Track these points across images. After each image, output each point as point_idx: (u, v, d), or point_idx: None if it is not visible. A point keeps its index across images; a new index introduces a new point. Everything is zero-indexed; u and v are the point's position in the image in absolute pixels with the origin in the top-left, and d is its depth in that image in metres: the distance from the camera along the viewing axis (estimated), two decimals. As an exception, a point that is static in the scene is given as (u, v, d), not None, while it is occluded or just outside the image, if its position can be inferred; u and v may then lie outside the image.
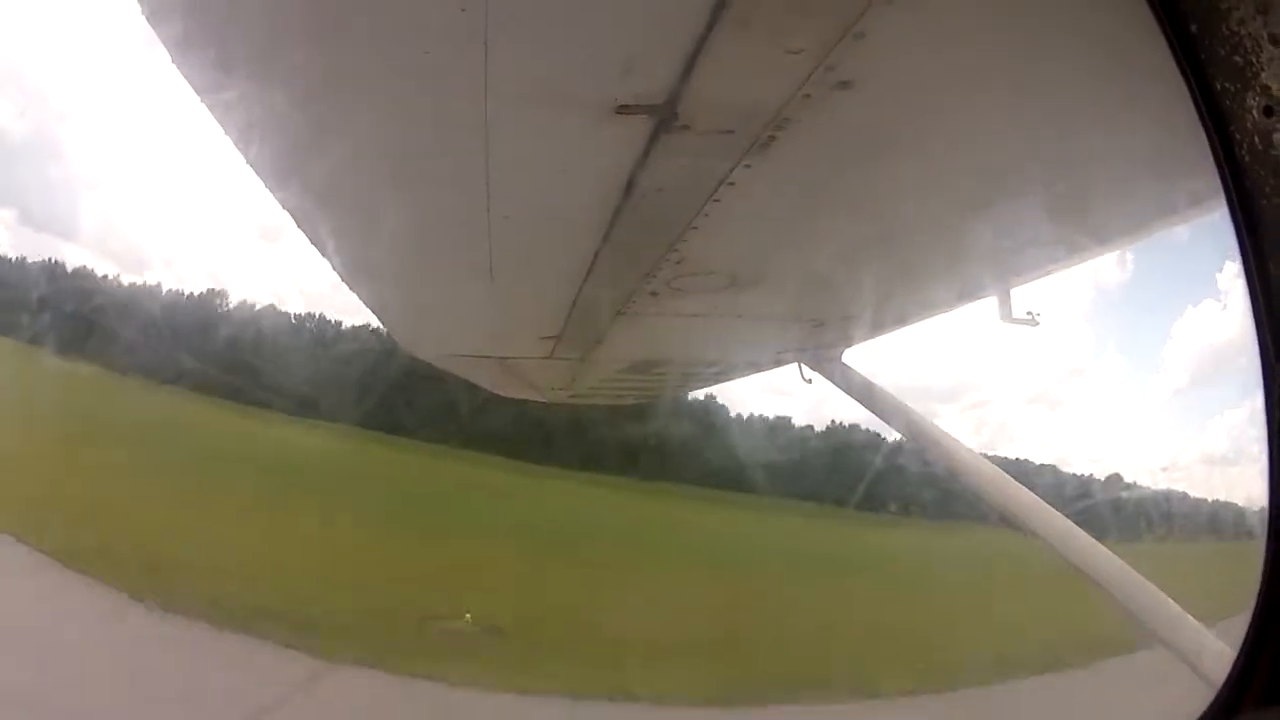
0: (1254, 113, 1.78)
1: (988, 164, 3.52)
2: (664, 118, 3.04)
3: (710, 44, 2.61)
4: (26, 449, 16.73)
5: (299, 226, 4.24)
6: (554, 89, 2.97)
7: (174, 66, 2.91)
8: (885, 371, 6.19)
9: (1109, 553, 4.73)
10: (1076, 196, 3.64)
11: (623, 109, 2.99)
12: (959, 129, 3.21)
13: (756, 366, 7.61)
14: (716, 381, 8.42)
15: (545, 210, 4.04)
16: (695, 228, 3.94)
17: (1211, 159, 1.89)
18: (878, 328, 5.78)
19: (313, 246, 4.52)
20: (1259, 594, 2.07)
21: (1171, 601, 4.36)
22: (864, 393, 6.10)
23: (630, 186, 3.56)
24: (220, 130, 3.35)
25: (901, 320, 5.73)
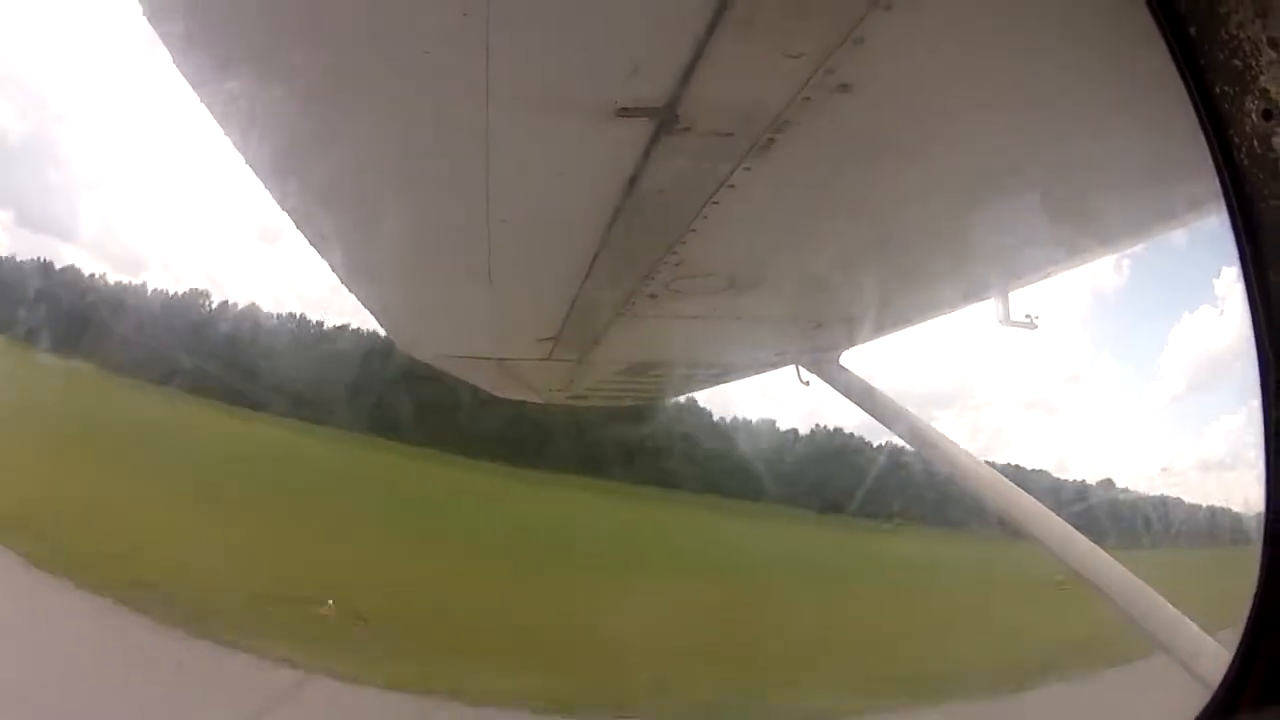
0: (1253, 116, 1.79)
1: (987, 167, 3.53)
2: (664, 120, 3.04)
3: (711, 47, 2.62)
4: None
5: (298, 227, 4.25)
6: (555, 91, 2.98)
7: (174, 66, 2.91)
8: (881, 376, 6.19)
9: (1107, 557, 4.74)
10: (1075, 200, 3.65)
11: (623, 111, 2.99)
12: (958, 132, 3.22)
13: (755, 368, 7.62)
14: (715, 384, 8.42)
15: (545, 212, 4.04)
16: (694, 230, 3.95)
17: (1211, 163, 1.90)
18: (876, 330, 5.78)
19: (311, 247, 4.53)
20: (1255, 596, 2.08)
21: (1168, 604, 4.38)
22: (862, 395, 6.11)
23: (630, 188, 3.56)
24: (219, 131, 3.36)
25: (900, 323, 5.74)
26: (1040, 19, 2.49)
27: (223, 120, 3.28)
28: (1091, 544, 4.80)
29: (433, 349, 7.43)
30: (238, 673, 12.78)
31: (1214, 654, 3.42)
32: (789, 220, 4.08)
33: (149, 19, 2.72)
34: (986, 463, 5.73)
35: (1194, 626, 4.10)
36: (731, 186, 3.51)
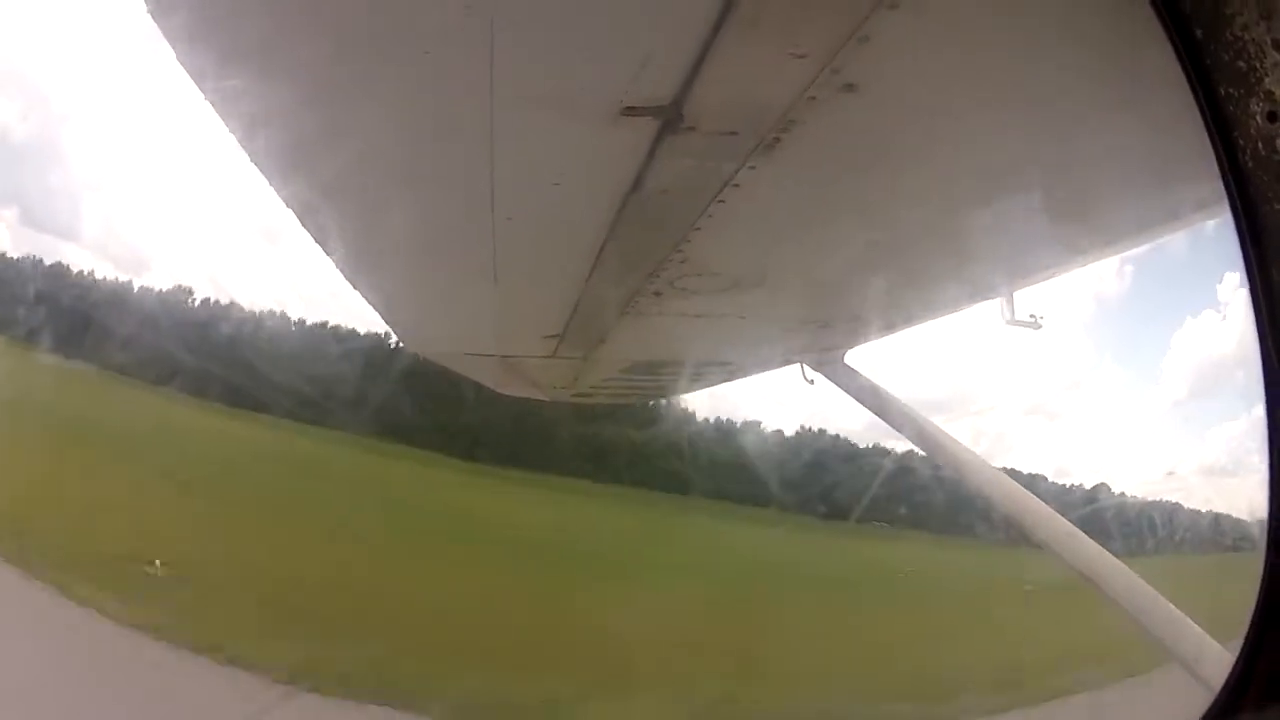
0: (1258, 118, 1.79)
1: (991, 167, 3.53)
2: (669, 119, 3.04)
3: (716, 46, 2.62)
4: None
5: (302, 224, 4.26)
6: (559, 90, 2.98)
7: (177, 62, 2.92)
8: (882, 380, 6.18)
9: (1112, 559, 4.74)
10: (1080, 200, 3.65)
11: (628, 110, 2.99)
12: (963, 132, 3.22)
13: (759, 367, 7.62)
14: (719, 382, 8.42)
15: (550, 210, 4.04)
16: (699, 229, 3.95)
17: (1215, 164, 1.89)
18: (881, 329, 5.78)
19: (316, 245, 4.53)
20: (1259, 598, 2.08)
21: (1171, 607, 4.37)
22: (867, 395, 6.11)
23: (635, 187, 3.56)
24: (223, 128, 3.37)
25: (905, 322, 5.74)
26: (1045, 19, 2.48)
27: (226, 117, 3.29)
28: (1096, 546, 4.80)
29: (437, 346, 7.44)
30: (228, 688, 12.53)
31: (1217, 657, 3.42)
32: (794, 219, 4.08)
33: (151, 14, 2.72)
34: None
35: (1197, 629, 4.10)
36: (736, 186, 3.51)
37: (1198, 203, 3.27)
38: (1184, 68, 1.89)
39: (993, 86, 2.90)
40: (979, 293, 5.01)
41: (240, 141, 3.48)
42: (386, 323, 7.00)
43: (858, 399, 6.10)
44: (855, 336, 5.93)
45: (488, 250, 4.43)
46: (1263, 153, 1.79)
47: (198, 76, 3.05)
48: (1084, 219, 3.84)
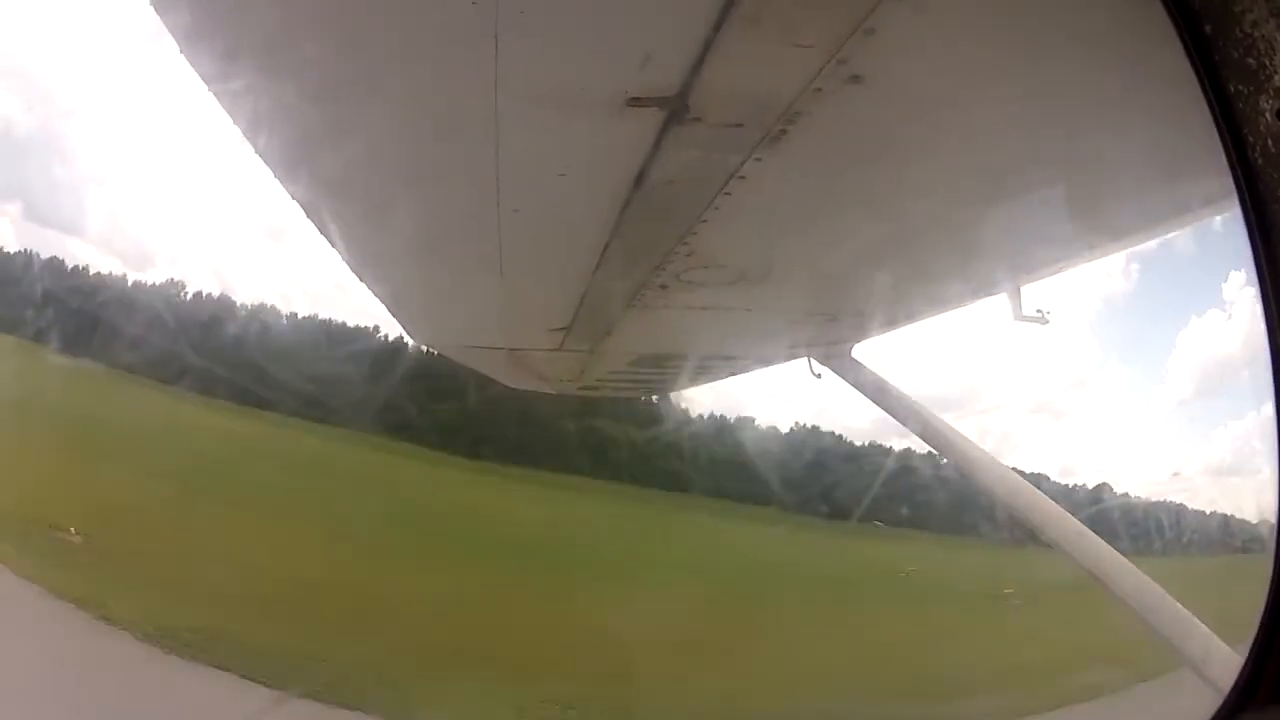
0: (1267, 115, 1.77)
1: (998, 160, 3.51)
2: (675, 110, 3.03)
3: (722, 37, 2.61)
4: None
5: (309, 218, 4.25)
6: (565, 81, 2.97)
7: (183, 58, 2.92)
8: (889, 376, 6.17)
9: (1120, 558, 4.73)
10: (1087, 194, 3.63)
11: (634, 101, 2.99)
12: (970, 125, 3.20)
13: (766, 361, 7.61)
14: (726, 376, 8.41)
15: (556, 202, 4.04)
16: (705, 221, 3.94)
17: (1224, 161, 1.88)
18: (888, 323, 5.77)
19: (322, 239, 4.53)
20: (1268, 598, 2.07)
21: (1180, 607, 4.36)
22: (873, 389, 6.09)
23: (641, 179, 3.56)
24: (228, 123, 3.36)
25: (912, 316, 5.72)
26: (1054, 13, 2.46)
27: (232, 111, 3.29)
28: (1105, 545, 4.78)
29: (444, 339, 7.45)
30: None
31: (1225, 658, 3.40)
32: (800, 212, 4.06)
33: (156, 9, 2.72)
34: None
35: (1205, 630, 4.09)
36: (742, 177, 3.50)
37: (1206, 198, 3.25)
38: (1193, 64, 1.87)
39: (999, 80, 2.89)
40: (986, 287, 4.99)
41: (247, 137, 3.48)
42: (394, 317, 6.99)
43: (864, 393, 6.08)
44: (862, 330, 5.91)
45: (494, 243, 4.43)
46: (1272, 149, 1.78)
47: (203, 73, 3.05)
48: (1091, 213, 3.82)
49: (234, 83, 3.09)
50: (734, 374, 8.32)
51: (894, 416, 6.16)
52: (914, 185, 3.70)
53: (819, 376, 6.39)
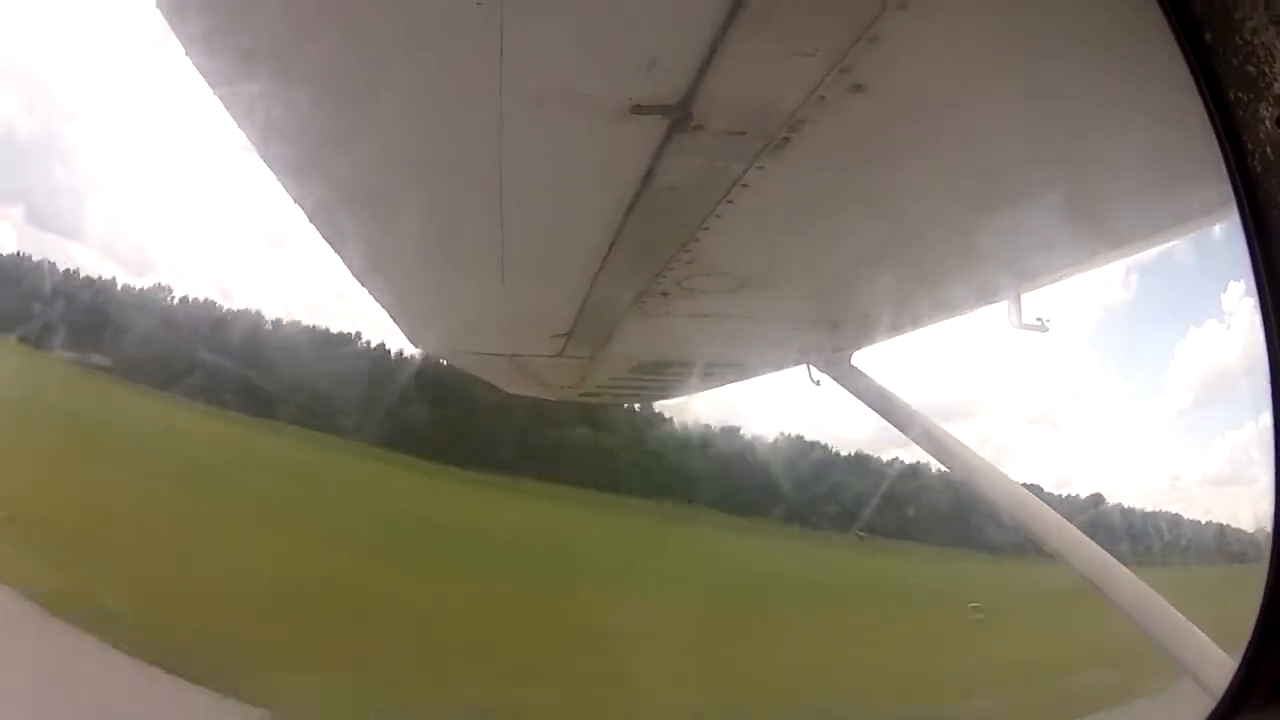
0: (1267, 123, 1.79)
1: (1000, 169, 3.53)
2: (678, 118, 3.04)
3: (725, 45, 2.62)
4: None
5: (312, 223, 4.26)
6: (569, 88, 2.98)
7: (187, 60, 2.93)
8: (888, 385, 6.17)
9: (1116, 563, 4.73)
10: (1088, 203, 3.64)
11: (637, 108, 3.00)
12: (972, 134, 3.22)
13: (766, 368, 7.61)
14: (726, 382, 8.41)
15: (558, 208, 4.05)
16: (707, 228, 3.95)
17: (1223, 168, 1.89)
18: (888, 331, 5.77)
19: (324, 245, 4.54)
20: (1262, 604, 2.08)
21: (1176, 612, 4.36)
22: (873, 397, 6.09)
23: (643, 186, 3.57)
24: (231, 128, 3.38)
25: (912, 323, 5.72)
26: (1054, 22, 2.48)
27: (235, 114, 3.30)
28: (1101, 552, 4.78)
29: (446, 345, 7.45)
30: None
31: (1220, 663, 3.40)
32: (802, 219, 4.08)
33: (161, 10, 2.73)
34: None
35: (1201, 635, 4.09)
36: (745, 185, 3.51)
37: (1205, 206, 3.26)
38: (1193, 71, 1.89)
39: (1002, 88, 2.90)
40: (987, 294, 5.00)
41: (251, 140, 3.49)
42: (395, 322, 6.99)
43: (864, 401, 6.08)
44: (863, 337, 5.92)
45: (496, 248, 4.44)
46: (1271, 157, 1.79)
47: (206, 75, 3.06)
48: (1092, 221, 3.83)
49: (238, 86, 3.11)
50: (734, 381, 8.32)
51: (893, 424, 6.16)
52: (915, 193, 3.71)
53: (818, 384, 6.39)
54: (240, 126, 3.38)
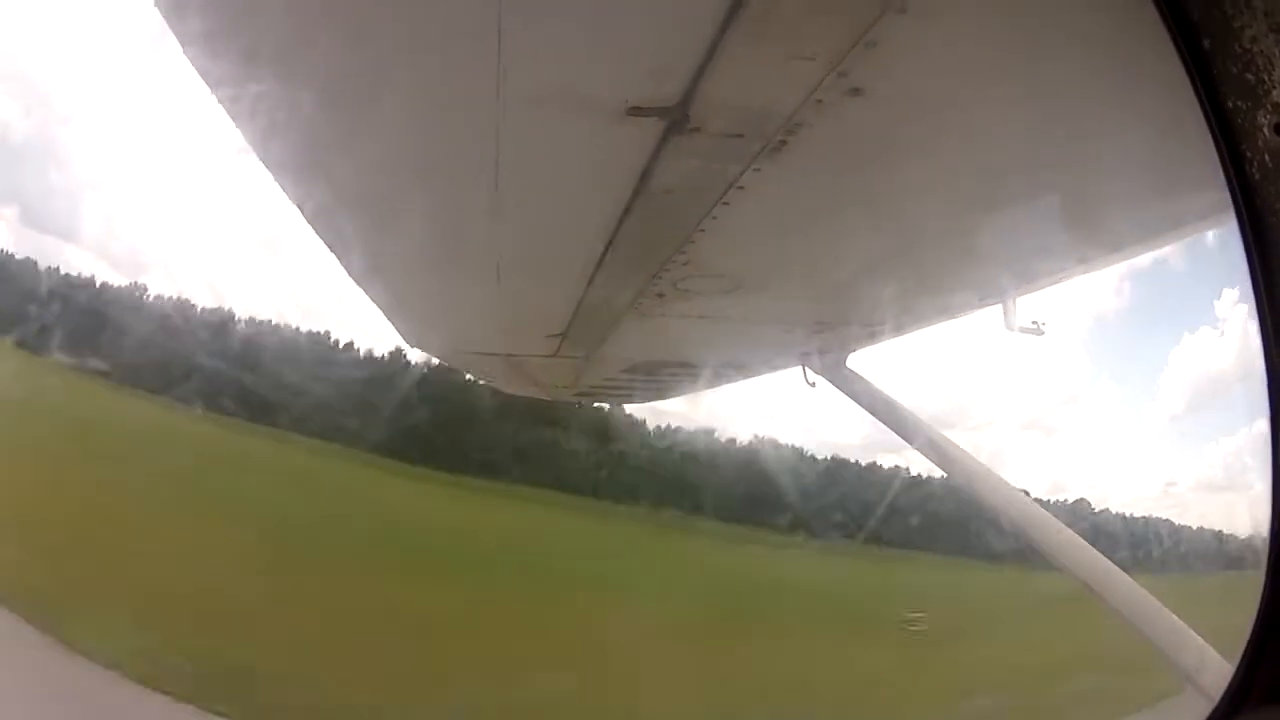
0: (1265, 130, 1.79)
1: (997, 173, 3.53)
2: (675, 120, 3.04)
3: (723, 48, 2.62)
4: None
5: (309, 223, 4.25)
6: (566, 89, 2.97)
7: (185, 59, 2.92)
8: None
9: (1112, 566, 4.74)
10: (1085, 208, 3.65)
11: (634, 110, 2.99)
12: (970, 138, 3.22)
13: (761, 369, 7.62)
14: (720, 384, 8.42)
15: (554, 209, 4.05)
16: (703, 230, 3.95)
17: (1222, 175, 1.89)
18: (884, 333, 5.78)
19: (320, 246, 4.53)
20: (1259, 609, 2.08)
21: (1174, 616, 4.37)
22: (868, 398, 6.10)
23: (640, 188, 3.56)
24: (228, 130, 3.37)
25: (907, 326, 5.73)
26: (1054, 27, 2.48)
27: (235, 116, 3.29)
28: (1099, 556, 4.80)
29: (441, 345, 7.44)
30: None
31: (1217, 667, 3.42)
32: (798, 222, 4.08)
33: (159, 9, 2.72)
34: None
35: (1198, 640, 4.10)
36: (741, 188, 3.51)
37: (1203, 212, 3.27)
38: (1191, 79, 1.89)
39: (1000, 93, 2.90)
40: (982, 297, 5.01)
41: (248, 140, 3.48)
42: (391, 323, 6.99)
43: (859, 403, 6.09)
44: (858, 340, 5.93)
45: (493, 248, 4.44)
46: (1270, 164, 1.79)
47: (204, 75, 3.05)
48: (1089, 226, 3.84)
49: (237, 86, 3.10)
50: (729, 382, 8.33)
51: (888, 426, 6.18)
52: (912, 196, 3.71)
53: (814, 386, 6.40)
54: (238, 126, 3.38)
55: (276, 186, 3.93)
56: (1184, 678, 3.92)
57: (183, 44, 2.89)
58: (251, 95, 3.16)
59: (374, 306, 5.89)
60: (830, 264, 4.61)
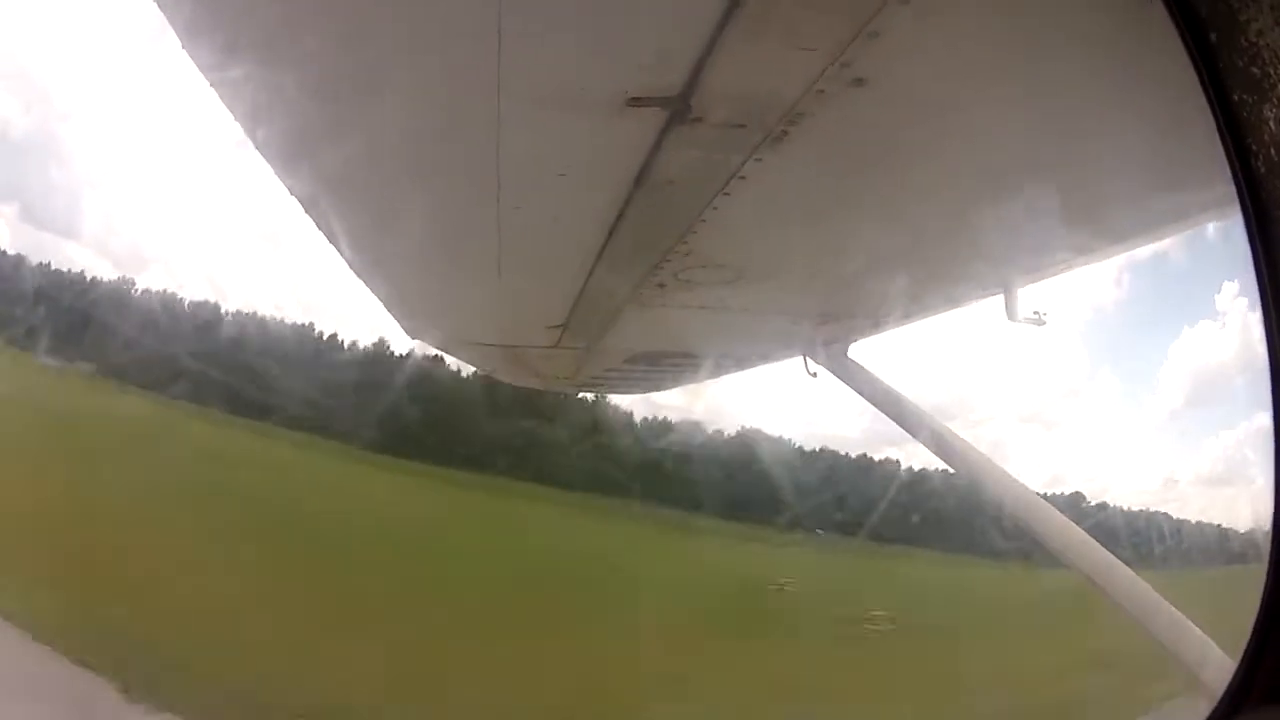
0: (1271, 124, 1.78)
1: (1000, 163, 3.52)
2: (677, 110, 3.03)
3: (725, 38, 2.61)
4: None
5: (308, 213, 4.24)
6: (566, 80, 2.97)
7: (184, 52, 2.91)
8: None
9: (1115, 560, 4.74)
10: (1089, 199, 3.64)
11: (635, 101, 2.99)
12: (972, 128, 3.21)
13: (762, 360, 7.61)
14: (721, 374, 8.41)
15: (555, 200, 4.04)
16: (704, 220, 3.94)
17: (1227, 169, 1.88)
18: (885, 323, 5.77)
19: (320, 237, 4.52)
20: (1261, 605, 2.08)
21: (1176, 611, 4.37)
22: (870, 388, 6.09)
23: (641, 178, 3.56)
24: (227, 127, 3.36)
25: (909, 316, 5.73)
26: (1058, 19, 2.47)
27: (233, 108, 3.28)
28: (1101, 550, 4.79)
29: (441, 336, 7.43)
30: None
31: (1219, 663, 3.42)
32: (799, 212, 4.07)
33: (159, 5, 2.72)
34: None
35: (1201, 635, 4.10)
36: (742, 178, 3.50)
37: (1207, 205, 3.26)
38: (1198, 71, 1.87)
39: (1003, 84, 2.89)
40: (984, 287, 5.00)
41: (247, 133, 3.47)
42: (391, 314, 6.98)
43: (861, 393, 6.09)
44: (860, 330, 5.92)
45: (493, 240, 4.43)
46: (1275, 158, 1.78)
47: (204, 67, 3.04)
48: (1092, 218, 3.84)
49: (236, 76, 3.09)
50: (730, 373, 8.33)
51: (890, 417, 6.17)
52: (914, 187, 3.71)
53: (815, 376, 6.40)
54: (237, 119, 3.37)
55: (276, 180, 3.93)
56: (1186, 673, 3.92)
57: (181, 39, 2.89)
58: (251, 89, 3.15)
59: (373, 299, 5.88)
60: (832, 254, 4.60)
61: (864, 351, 6.12)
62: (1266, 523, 2.12)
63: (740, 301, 5.29)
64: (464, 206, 4.23)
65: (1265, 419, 2.05)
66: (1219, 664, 3.30)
